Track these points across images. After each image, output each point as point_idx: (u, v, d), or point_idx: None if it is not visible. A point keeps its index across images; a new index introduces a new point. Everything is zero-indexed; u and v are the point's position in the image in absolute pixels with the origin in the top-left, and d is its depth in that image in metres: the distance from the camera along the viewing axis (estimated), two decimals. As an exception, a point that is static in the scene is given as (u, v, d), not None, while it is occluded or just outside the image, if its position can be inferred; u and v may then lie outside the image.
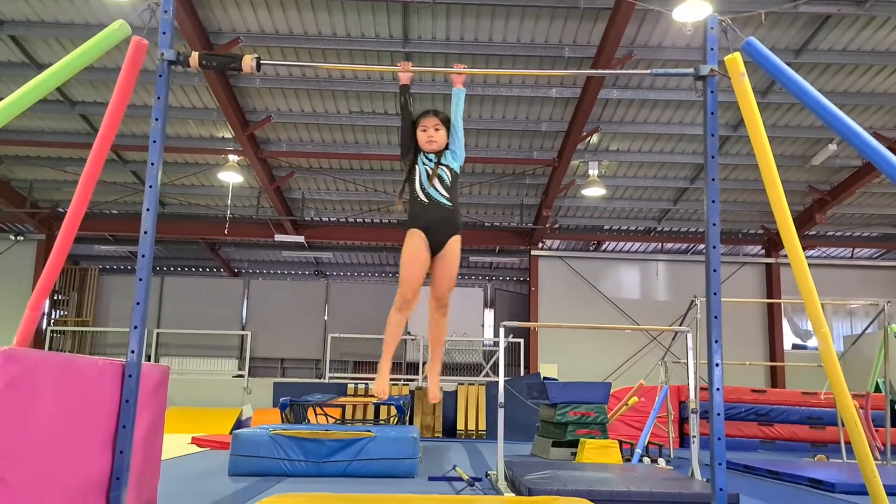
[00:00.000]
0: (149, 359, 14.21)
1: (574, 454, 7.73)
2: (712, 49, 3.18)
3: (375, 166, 12.85)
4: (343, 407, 10.28)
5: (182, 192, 13.80)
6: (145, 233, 2.96)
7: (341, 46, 9.27)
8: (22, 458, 2.21)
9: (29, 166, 12.95)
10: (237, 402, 13.01)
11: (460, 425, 12.06)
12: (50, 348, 14.42)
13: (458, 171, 3.45)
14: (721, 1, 7.98)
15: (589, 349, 14.57)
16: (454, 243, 3.37)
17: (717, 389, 2.95)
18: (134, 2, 7.84)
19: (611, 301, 15.45)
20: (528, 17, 8.81)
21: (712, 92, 3.16)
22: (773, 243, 15.15)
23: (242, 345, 15.49)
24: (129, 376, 2.80)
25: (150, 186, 3.01)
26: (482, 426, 12.05)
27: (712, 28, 3.18)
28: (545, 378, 11.45)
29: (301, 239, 14.67)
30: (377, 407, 11.19)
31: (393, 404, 8.93)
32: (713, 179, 3.12)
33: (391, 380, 14.51)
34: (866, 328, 11.74)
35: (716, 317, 3.00)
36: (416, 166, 3.40)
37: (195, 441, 8.97)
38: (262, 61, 3.22)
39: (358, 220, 15.11)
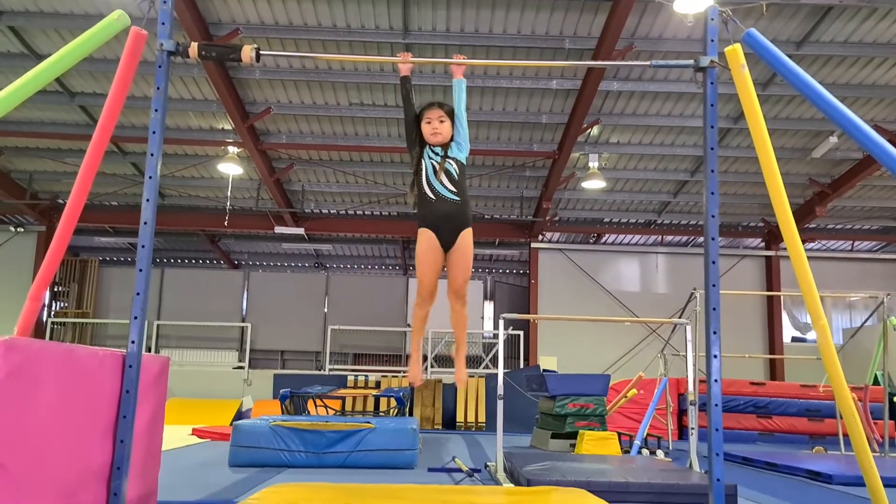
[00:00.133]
0: (149, 351, 14.24)
1: (573, 446, 7.75)
2: (712, 40, 3.16)
3: (375, 158, 12.83)
4: (343, 399, 10.31)
5: (182, 183, 13.79)
6: (145, 223, 2.96)
7: (341, 38, 9.25)
8: (22, 446, 2.22)
9: (28, 157, 12.94)
10: (237, 394, 13.05)
11: (460, 417, 12.10)
12: (51, 340, 14.44)
13: (464, 163, 3.44)
14: (722, -8, 7.95)
15: (588, 341, 14.59)
16: (465, 237, 3.36)
17: (716, 381, 2.95)
18: (133, -8, 7.81)
19: (610, 293, 15.46)
20: (528, 8, 8.78)
21: (712, 83, 3.16)
22: (773, 236, 15.16)
23: (242, 337, 15.51)
24: (130, 366, 2.81)
25: (150, 177, 3.01)
26: (482, 418, 12.09)
27: (713, 19, 3.16)
28: (544, 370, 11.48)
29: (301, 231, 14.67)
30: (377, 399, 11.23)
31: (393, 396, 8.97)
32: (712, 171, 3.12)
33: (392, 372, 14.56)
34: (865, 321, 11.78)
35: (714, 308, 3.01)
36: (423, 161, 3.37)
37: (196, 432, 9.01)
38: (261, 52, 3.21)
39: (358, 212, 15.10)
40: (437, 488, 4.42)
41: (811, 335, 15.80)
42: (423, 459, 6.64)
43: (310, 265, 18.52)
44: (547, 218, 14.21)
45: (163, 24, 3.12)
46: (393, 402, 9.21)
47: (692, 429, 6.07)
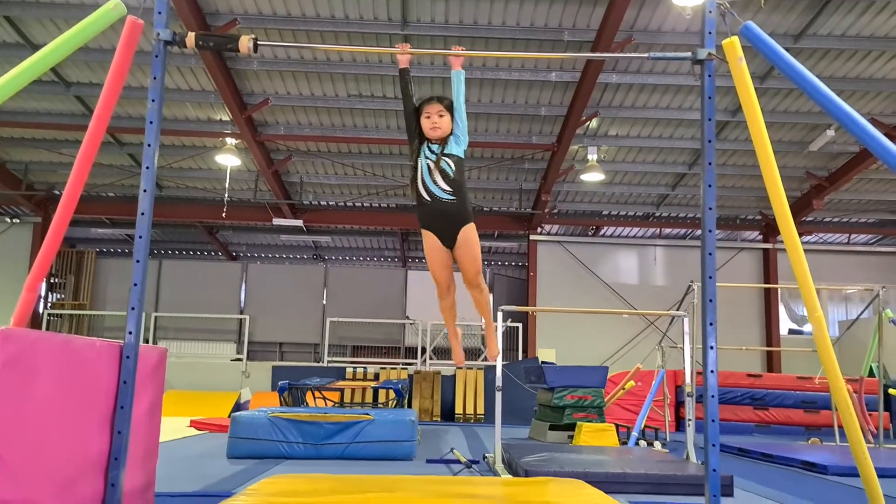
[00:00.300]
0: (147, 342, 14.24)
1: (571, 437, 7.79)
2: (710, 33, 3.15)
3: (374, 150, 12.81)
4: (342, 390, 10.34)
5: (179, 175, 13.75)
6: (142, 214, 2.95)
7: (340, 29, 9.21)
8: (19, 437, 2.22)
9: (24, 148, 12.89)
10: (236, 386, 13.07)
11: (458, 409, 12.14)
12: (47, 331, 14.43)
13: (462, 157, 3.43)
14: (721, -16, 7.92)
15: (587, 333, 14.64)
16: (465, 233, 3.35)
17: (712, 372, 2.96)
18: (130, -18, 7.76)
19: (609, 286, 15.49)
20: (527, -1, 8.76)
21: (710, 76, 3.15)
22: (770, 229, 15.17)
23: (241, 328, 15.52)
24: (127, 357, 2.81)
25: (147, 168, 3.00)
26: (480, 410, 12.12)
27: (710, 12, 3.15)
28: (543, 362, 11.49)
29: (299, 223, 14.66)
30: (375, 390, 11.26)
31: (391, 388, 8.99)
32: (710, 164, 3.12)
33: (391, 364, 14.58)
34: (861, 313, 11.82)
35: (711, 300, 3.01)
36: (419, 160, 3.36)
37: (194, 424, 9.02)
38: (259, 43, 3.20)
39: (356, 204, 15.09)
40: (436, 479, 4.45)
41: (808, 327, 15.84)
42: (422, 451, 6.66)
43: (308, 257, 18.51)
44: (546, 210, 14.21)
45: (159, 13, 3.10)
46: (391, 394, 9.23)
47: (689, 420, 6.09)
